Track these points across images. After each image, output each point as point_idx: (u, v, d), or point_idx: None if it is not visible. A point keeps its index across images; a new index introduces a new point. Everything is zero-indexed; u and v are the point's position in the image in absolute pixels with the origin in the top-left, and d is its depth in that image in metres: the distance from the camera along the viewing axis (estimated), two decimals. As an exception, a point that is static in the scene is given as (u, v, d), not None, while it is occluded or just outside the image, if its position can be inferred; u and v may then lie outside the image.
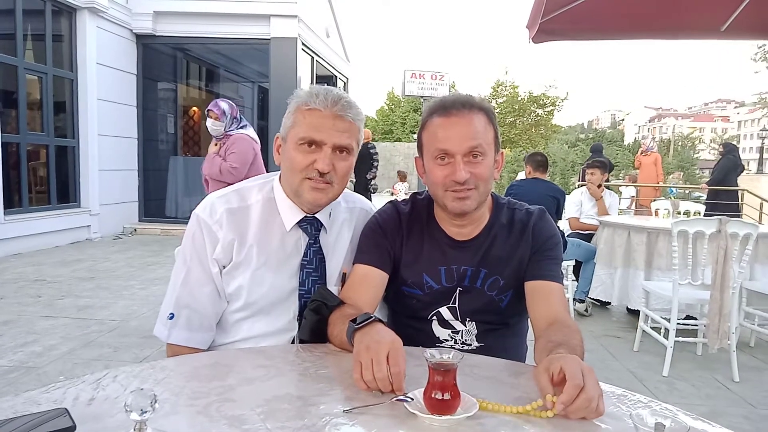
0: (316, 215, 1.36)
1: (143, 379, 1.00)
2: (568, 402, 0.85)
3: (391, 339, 1.01)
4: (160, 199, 9.45)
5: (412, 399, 0.90)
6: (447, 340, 1.37)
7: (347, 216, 1.46)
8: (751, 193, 9.94)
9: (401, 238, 1.39)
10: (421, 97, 14.54)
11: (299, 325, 1.32)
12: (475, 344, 1.37)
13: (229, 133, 3.99)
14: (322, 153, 1.26)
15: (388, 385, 0.94)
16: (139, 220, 9.10)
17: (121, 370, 1.02)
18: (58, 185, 7.61)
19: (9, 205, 6.64)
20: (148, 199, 9.31)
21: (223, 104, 3.98)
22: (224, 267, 1.31)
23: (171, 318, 1.32)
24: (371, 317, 1.09)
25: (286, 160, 1.31)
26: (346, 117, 1.27)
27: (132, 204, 9.11)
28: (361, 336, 1.04)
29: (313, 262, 1.34)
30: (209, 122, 3.95)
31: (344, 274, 1.38)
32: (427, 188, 1.40)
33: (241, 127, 4.05)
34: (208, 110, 3.95)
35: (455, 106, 1.28)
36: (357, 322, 1.08)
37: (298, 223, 1.34)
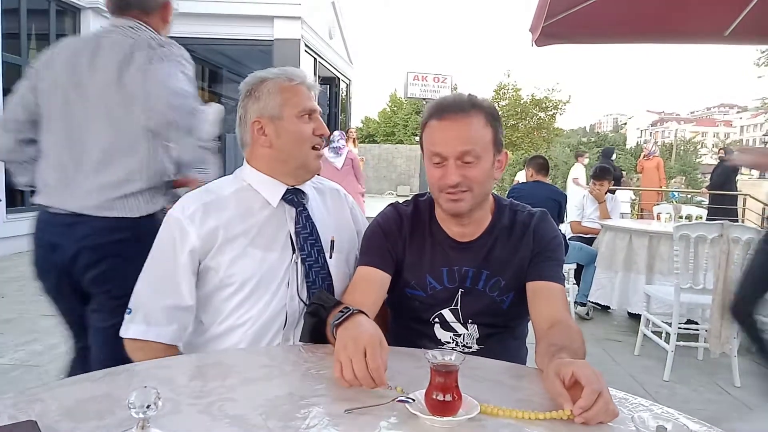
0: (299, 187, 1.41)
1: (145, 378, 1.00)
2: (587, 406, 0.85)
3: (369, 333, 1.01)
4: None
5: (414, 400, 0.90)
6: (449, 343, 1.37)
7: (320, 192, 1.51)
8: (753, 197, 9.93)
9: (403, 239, 1.39)
10: (424, 99, 14.55)
11: (308, 294, 1.33)
12: (476, 347, 1.37)
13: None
14: (318, 121, 1.39)
15: (371, 382, 0.94)
16: (141, 220, 9.09)
17: (123, 368, 1.02)
18: (61, 184, 7.61)
19: (11, 203, 6.65)
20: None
21: None
22: (207, 254, 1.29)
23: (129, 313, 1.31)
24: (350, 310, 1.09)
25: (287, 137, 1.36)
26: (314, 89, 1.42)
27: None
28: (341, 332, 1.04)
29: (307, 227, 1.38)
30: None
31: (332, 242, 1.43)
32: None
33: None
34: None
35: (451, 108, 1.28)
36: (336, 318, 1.08)
37: (282, 196, 1.38)
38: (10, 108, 1.76)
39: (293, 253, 1.36)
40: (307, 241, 1.37)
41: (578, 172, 9.63)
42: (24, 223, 6.71)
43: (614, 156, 10.42)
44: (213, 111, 1.85)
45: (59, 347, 3.42)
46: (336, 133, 6.62)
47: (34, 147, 1.75)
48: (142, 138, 1.64)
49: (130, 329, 1.30)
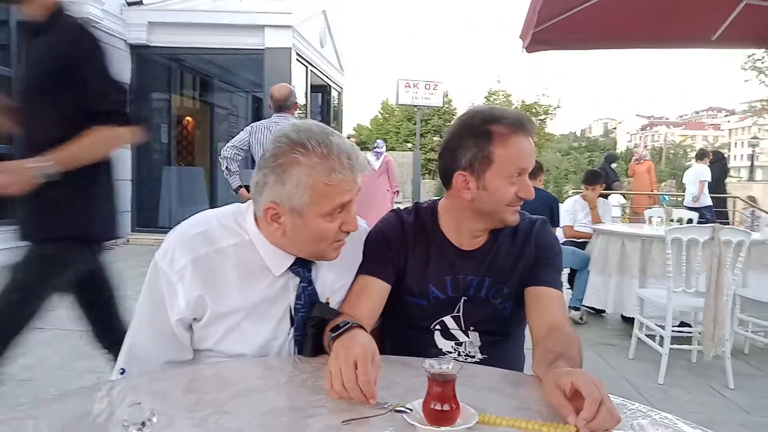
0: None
1: (139, 392, 0.99)
2: (590, 417, 0.84)
3: (361, 344, 0.99)
4: (153, 209, 9.41)
5: (411, 410, 0.90)
6: (450, 352, 1.36)
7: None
8: (742, 200, 10.02)
9: (406, 247, 1.38)
10: (415, 106, 14.60)
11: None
12: (479, 356, 1.36)
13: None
14: (350, 213, 1.16)
15: (360, 394, 0.93)
16: (132, 231, 9.03)
17: (117, 382, 1.01)
18: (51, 195, 7.55)
19: (0, 215, 6.58)
20: (141, 209, 9.25)
21: None
22: (197, 321, 1.17)
23: (122, 373, 1.19)
24: (349, 324, 1.07)
25: (301, 234, 1.15)
26: (365, 170, 1.16)
27: (124, 214, 9.05)
28: (336, 344, 1.03)
29: (307, 305, 1.22)
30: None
31: (327, 302, 1.28)
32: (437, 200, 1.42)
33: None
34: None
35: (529, 125, 1.29)
36: (334, 331, 1.07)
37: (289, 267, 1.21)
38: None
39: (291, 326, 1.22)
40: (303, 317, 1.23)
41: (704, 173, 8.99)
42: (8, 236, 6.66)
43: (615, 164, 10.41)
44: None
45: (50, 360, 3.38)
46: (378, 141, 7.65)
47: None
48: None
49: None
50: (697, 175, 8.94)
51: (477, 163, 1.28)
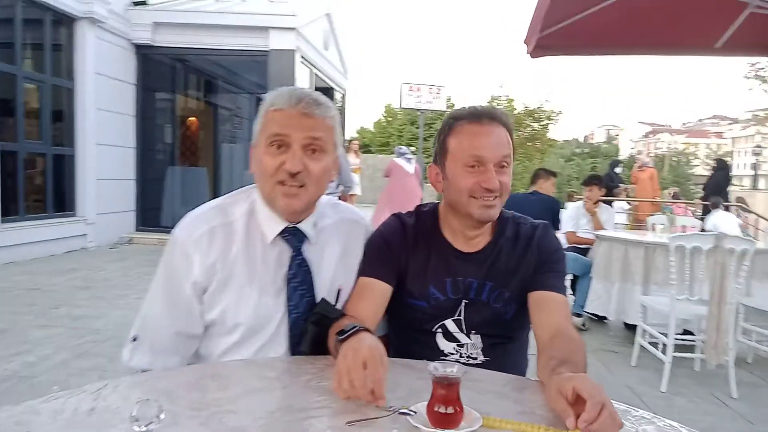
0: (298, 225, 1.27)
1: (144, 390, 0.99)
2: (592, 419, 0.83)
3: (369, 346, 0.99)
4: (156, 209, 9.43)
5: (415, 412, 0.89)
6: (452, 354, 1.36)
7: (335, 227, 1.37)
8: (745, 208, 10.00)
9: (407, 250, 1.38)
10: (418, 110, 14.61)
11: (290, 344, 1.26)
12: (481, 358, 1.36)
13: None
14: (290, 152, 1.18)
15: (368, 394, 0.92)
16: (136, 230, 9.05)
17: (122, 380, 1.01)
18: (55, 194, 7.58)
19: (5, 213, 6.60)
20: (144, 209, 9.27)
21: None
22: (206, 290, 1.23)
23: (134, 340, 1.25)
24: (356, 327, 1.07)
25: (257, 167, 1.24)
26: (314, 114, 1.20)
27: (129, 213, 9.08)
28: (345, 346, 1.03)
29: (299, 275, 1.26)
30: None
31: (339, 291, 1.32)
32: (440, 196, 1.41)
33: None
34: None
35: (487, 114, 1.30)
36: (341, 334, 1.07)
37: (280, 234, 1.26)
38: None
39: (286, 297, 1.26)
40: (297, 291, 1.26)
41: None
42: (18, 233, 6.70)
43: (619, 168, 10.35)
44: None
45: (52, 358, 3.39)
46: (402, 147, 8.50)
47: None
48: None
49: (134, 357, 1.25)
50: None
51: (440, 154, 1.36)
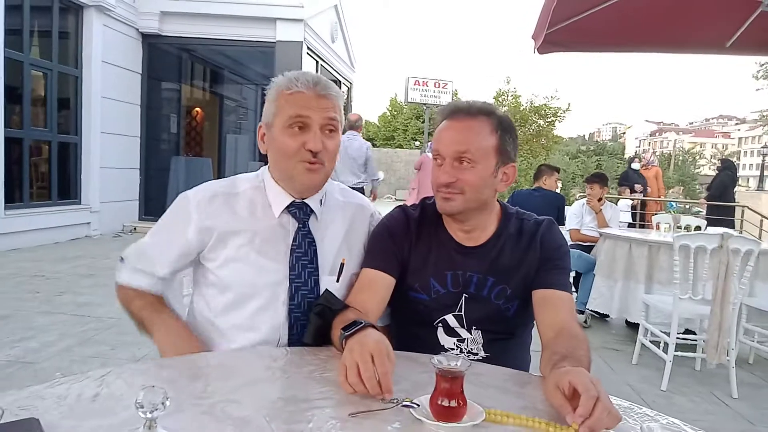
0: (305, 200, 1.34)
1: (148, 378, 0.99)
2: (586, 414, 0.83)
3: (375, 340, 1.00)
4: (160, 199, 9.44)
5: (419, 405, 0.89)
6: (452, 349, 1.36)
7: (342, 207, 1.43)
8: (751, 209, 9.96)
9: (410, 242, 1.38)
10: (424, 104, 14.59)
11: (289, 316, 1.28)
12: (482, 354, 1.36)
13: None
14: (311, 133, 1.26)
15: (376, 386, 0.93)
16: (140, 219, 9.08)
17: (125, 367, 1.01)
18: (60, 181, 7.61)
19: (10, 199, 6.63)
20: (148, 198, 9.30)
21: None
22: (203, 249, 1.32)
23: (121, 261, 1.40)
24: (362, 323, 1.07)
25: (274, 147, 1.30)
26: (329, 95, 1.30)
27: (132, 202, 9.11)
28: (351, 340, 1.03)
29: (302, 246, 1.32)
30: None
31: (342, 265, 1.36)
32: None
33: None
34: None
35: (460, 110, 1.32)
36: (347, 330, 1.07)
37: (286, 208, 1.33)
38: None
39: (289, 266, 1.31)
40: (300, 261, 1.30)
41: None
42: (22, 220, 6.72)
43: (636, 164, 9.98)
44: None
45: (55, 344, 3.40)
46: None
47: None
48: None
49: (121, 276, 1.40)
50: None
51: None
